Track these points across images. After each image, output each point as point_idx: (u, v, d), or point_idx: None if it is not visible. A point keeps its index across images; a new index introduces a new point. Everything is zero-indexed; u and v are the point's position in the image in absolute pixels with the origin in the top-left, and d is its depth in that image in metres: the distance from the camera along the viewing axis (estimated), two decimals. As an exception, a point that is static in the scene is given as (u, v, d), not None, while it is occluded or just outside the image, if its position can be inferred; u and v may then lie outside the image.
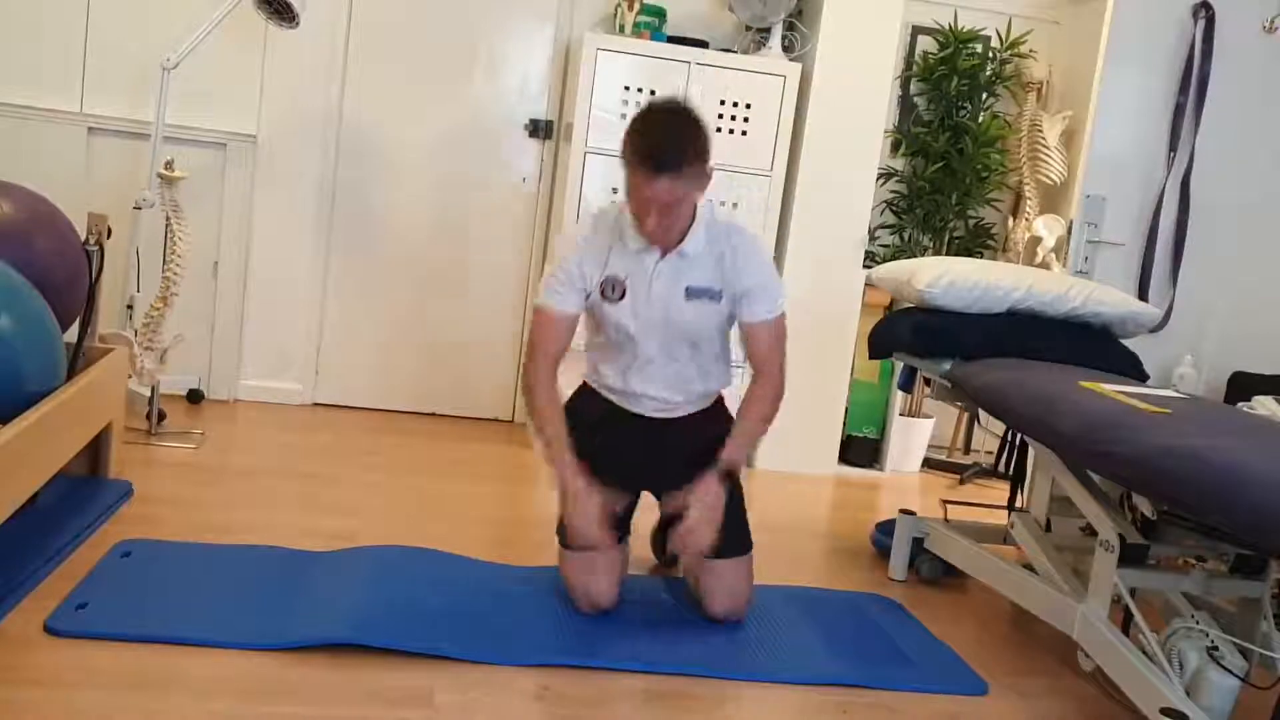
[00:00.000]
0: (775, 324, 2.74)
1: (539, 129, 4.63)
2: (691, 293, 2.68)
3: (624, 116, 4.25)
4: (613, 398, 2.86)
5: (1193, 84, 4.23)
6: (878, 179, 4.58)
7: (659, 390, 2.79)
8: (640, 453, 2.82)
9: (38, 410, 2.55)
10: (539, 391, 2.68)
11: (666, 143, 2.47)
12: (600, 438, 2.76)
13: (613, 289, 2.68)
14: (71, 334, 3.19)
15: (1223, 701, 2.24)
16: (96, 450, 3.20)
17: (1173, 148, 4.27)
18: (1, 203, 3.09)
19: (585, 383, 2.94)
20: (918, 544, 3.32)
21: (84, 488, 3.11)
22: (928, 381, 3.41)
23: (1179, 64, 4.24)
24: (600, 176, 4.28)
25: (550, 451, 2.64)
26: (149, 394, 3.82)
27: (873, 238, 4.82)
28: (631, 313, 2.69)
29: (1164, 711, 2.13)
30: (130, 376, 3.63)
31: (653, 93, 4.25)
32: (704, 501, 2.60)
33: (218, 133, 4.34)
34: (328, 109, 4.46)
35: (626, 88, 4.25)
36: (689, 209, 2.62)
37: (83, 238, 3.29)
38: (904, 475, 4.79)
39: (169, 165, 3.78)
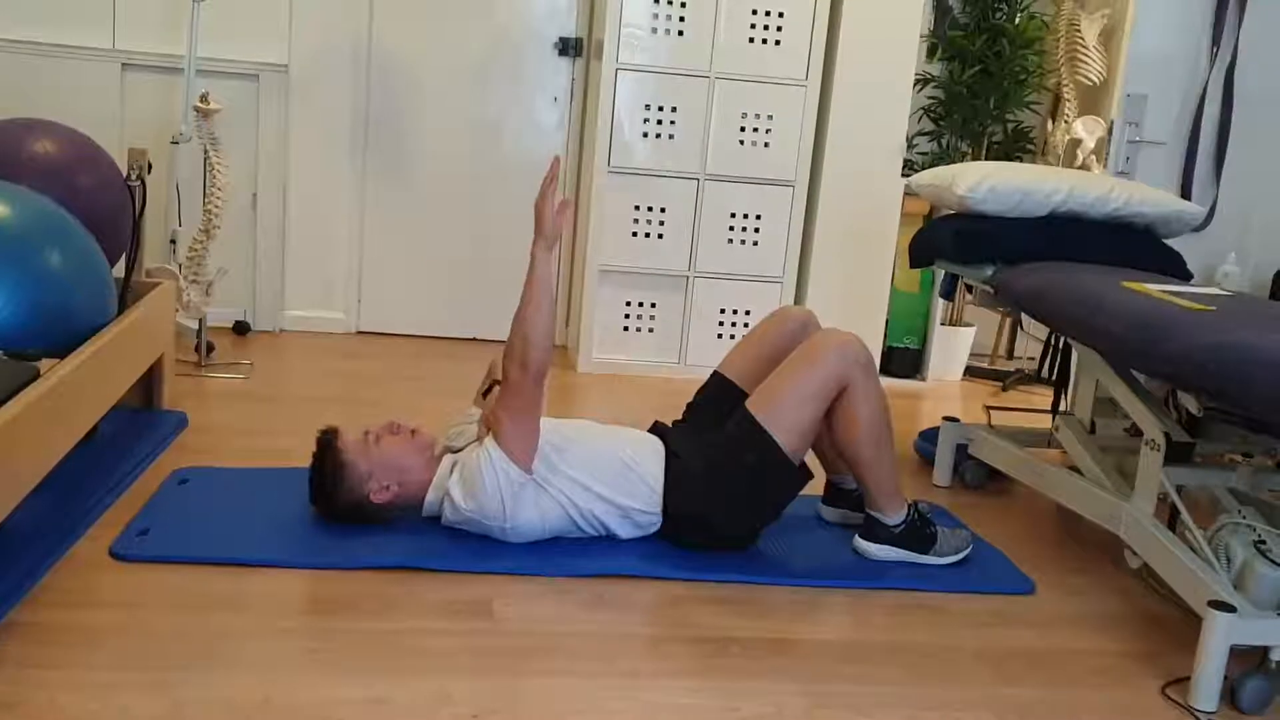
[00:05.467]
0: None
1: (569, 47, 4.60)
2: None
3: (654, 31, 4.22)
4: None
5: (1236, -26, 4.13)
6: (914, 85, 4.52)
7: None
8: None
9: (93, 344, 2.60)
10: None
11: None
12: None
13: None
14: (118, 270, 3.23)
15: (1270, 593, 2.26)
16: (149, 383, 3.27)
17: (1215, 41, 4.18)
18: (44, 141, 3.12)
19: None
20: (961, 451, 3.34)
21: (140, 419, 3.18)
22: (969, 289, 3.40)
23: (1222, -46, 4.14)
24: (632, 93, 4.25)
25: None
26: (197, 327, 3.88)
27: (910, 145, 4.77)
28: None
29: (1212, 604, 2.15)
30: (177, 310, 3.69)
31: (683, 5, 4.20)
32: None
33: (249, 64, 4.34)
34: (357, 35, 4.45)
35: (655, 0, 4.20)
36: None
37: (124, 173, 3.32)
38: (946, 384, 4.79)
39: (204, 98, 3.79)
